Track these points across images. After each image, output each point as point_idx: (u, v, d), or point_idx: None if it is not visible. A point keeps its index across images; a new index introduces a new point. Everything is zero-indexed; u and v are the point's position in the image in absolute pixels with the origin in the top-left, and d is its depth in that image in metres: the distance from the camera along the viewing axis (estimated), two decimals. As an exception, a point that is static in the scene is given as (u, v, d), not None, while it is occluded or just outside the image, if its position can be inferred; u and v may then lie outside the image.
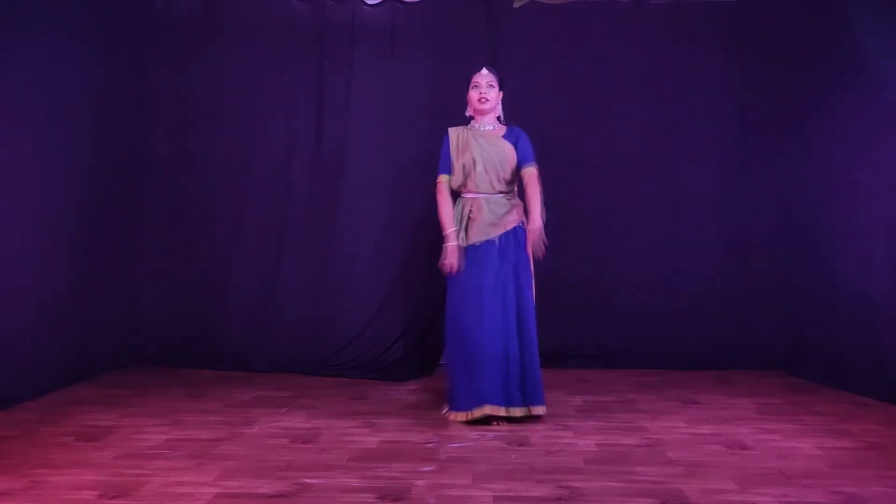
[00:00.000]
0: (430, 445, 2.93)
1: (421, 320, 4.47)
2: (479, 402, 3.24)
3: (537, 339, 3.35)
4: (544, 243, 3.31)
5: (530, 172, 3.43)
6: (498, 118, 3.58)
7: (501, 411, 3.25)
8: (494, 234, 3.39)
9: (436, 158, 3.69)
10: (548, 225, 3.50)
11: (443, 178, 3.53)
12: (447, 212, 3.46)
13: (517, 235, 3.42)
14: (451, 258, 3.36)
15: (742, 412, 3.49)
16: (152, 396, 3.73)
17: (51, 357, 3.77)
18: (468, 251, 3.40)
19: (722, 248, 4.63)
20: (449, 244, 3.39)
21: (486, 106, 3.48)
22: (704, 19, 4.60)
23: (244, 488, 2.42)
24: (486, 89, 3.47)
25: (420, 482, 2.49)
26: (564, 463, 2.71)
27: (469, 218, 3.43)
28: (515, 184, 3.54)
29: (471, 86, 3.52)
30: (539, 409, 3.30)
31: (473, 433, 3.11)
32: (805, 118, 4.47)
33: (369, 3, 4.60)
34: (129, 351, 4.52)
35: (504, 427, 3.22)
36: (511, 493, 2.39)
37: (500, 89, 3.55)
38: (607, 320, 4.60)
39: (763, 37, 4.57)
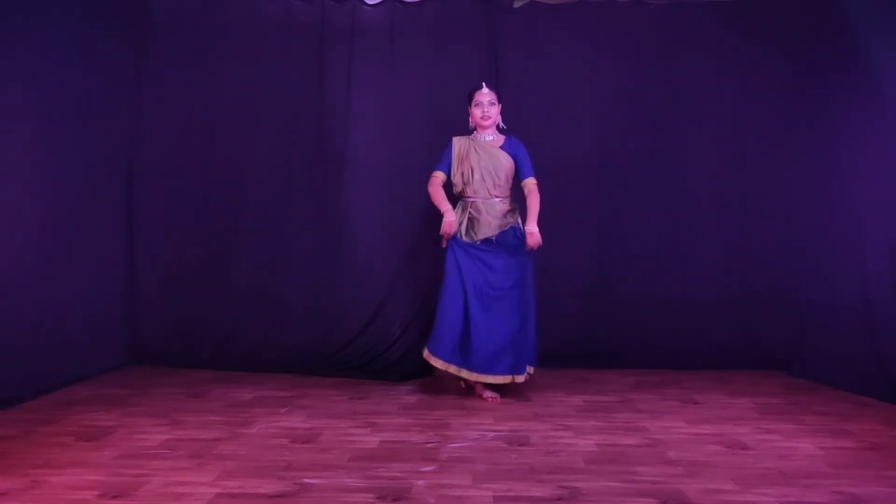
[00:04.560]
0: (430, 445, 2.93)
1: (421, 321, 4.46)
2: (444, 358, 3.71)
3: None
4: (539, 246, 3.70)
5: (530, 185, 3.79)
6: (497, 127, 3.89)
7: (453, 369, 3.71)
8: (494, 232, 3.73)
9: (436, 158, 3.85)
10: (548, 224, 3.80)
11: (438, 173, 3.86)
12: (440, 196, 3.79)
13: (515, 233, 3.76)
14: (448, 227, 3.69)
15: (742, 412, 3.50)
16: (152, 396, 3.73)
17: (51, 357, 3.76)
18: (470, 247, 3.72)
19: (722, 248, 4.63)
20: (446, 219, 3.71)
21: (488, 123, 3.81)
22: (704, 19, 4.60)
23: (244, 488, 2.42)
24: (487, 107, 3.80)
25: (420, 482, 2.49)
26: (564, 463, 2.71)
27: (470, 218, 3.77)
28: (510, 188, 3.84)
29: (473, 103, 3.82)
30: (520, 378, 3.69)
31: (473, 433, 3.12)
32: (805, 118, 4.48)
33: (369, 3, 4.60)
34: (129, 351, 4.52)
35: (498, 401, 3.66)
36: (511, 493, 2.39)
37: (499, 102, 3.87)
38: (607, 320, 4.60)
39: (763, 37, 4.58)
